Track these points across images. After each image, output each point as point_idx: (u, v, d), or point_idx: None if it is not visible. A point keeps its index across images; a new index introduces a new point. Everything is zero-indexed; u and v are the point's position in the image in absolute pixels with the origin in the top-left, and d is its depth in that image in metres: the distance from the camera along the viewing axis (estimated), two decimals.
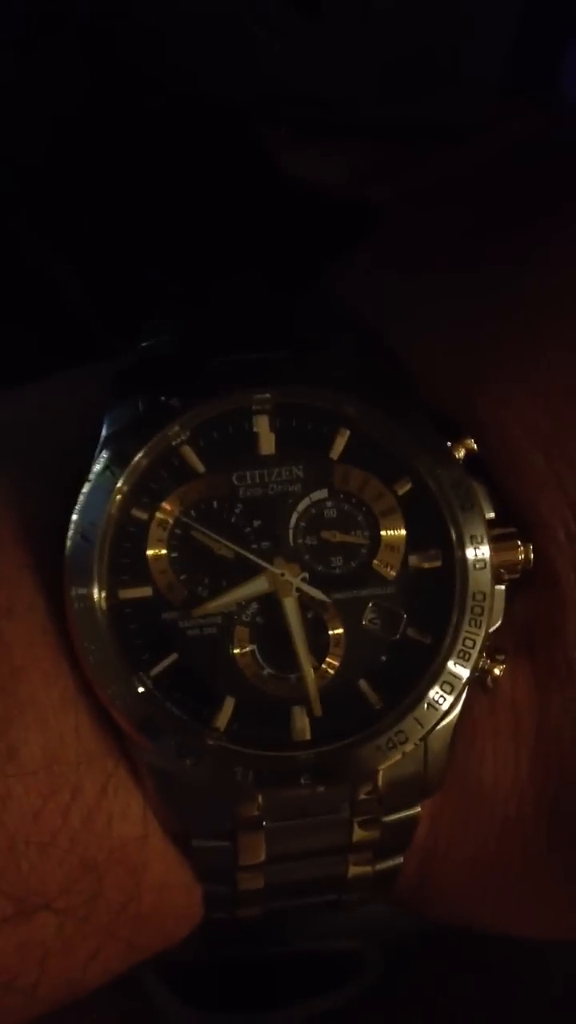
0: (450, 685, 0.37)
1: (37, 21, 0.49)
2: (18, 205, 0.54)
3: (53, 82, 0.51)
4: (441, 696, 0.37)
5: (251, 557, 0.38)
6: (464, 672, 0.38)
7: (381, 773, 0.37)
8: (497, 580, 0.38)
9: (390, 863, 0.40)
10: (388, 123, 0.47)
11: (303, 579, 0.38)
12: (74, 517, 0.37)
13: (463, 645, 0.38)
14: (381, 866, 0.40)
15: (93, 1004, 0.39)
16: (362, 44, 0.45)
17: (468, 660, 0.38)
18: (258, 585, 0.38)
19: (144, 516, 0.38)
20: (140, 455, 0.38)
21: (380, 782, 0.37)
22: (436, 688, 0.37)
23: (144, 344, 0.40)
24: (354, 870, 0.39)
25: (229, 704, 0.37)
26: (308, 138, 0.49)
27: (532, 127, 0.49)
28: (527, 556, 0.39)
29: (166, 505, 0.38)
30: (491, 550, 0.38)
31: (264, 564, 0.38)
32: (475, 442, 0.39)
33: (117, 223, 0.54)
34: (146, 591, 0.37)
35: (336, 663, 0.38)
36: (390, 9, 0.45)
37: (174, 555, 0.38)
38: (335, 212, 0.50)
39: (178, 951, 0.41)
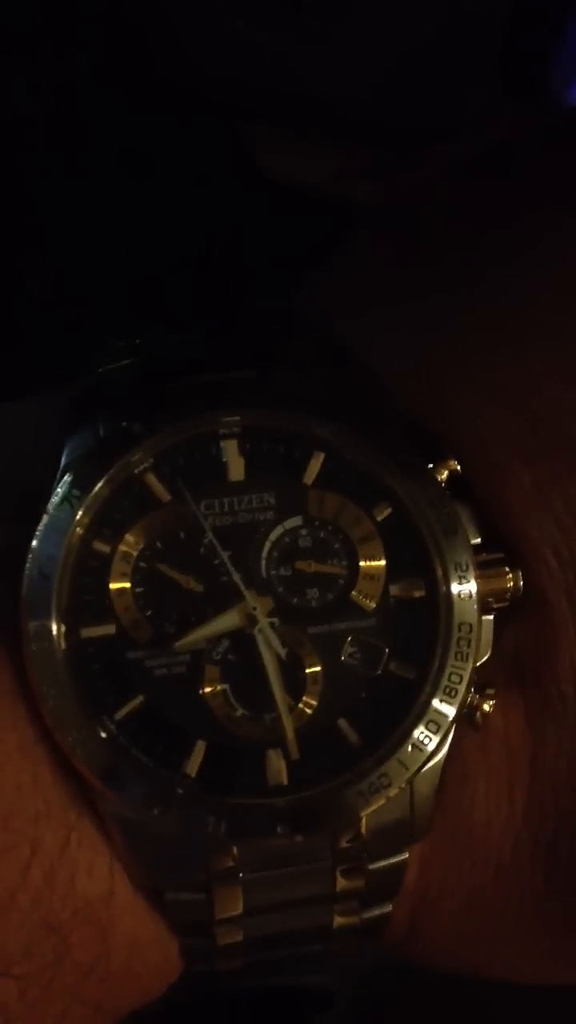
0: (436, 724, 0.35)
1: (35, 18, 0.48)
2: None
3: (42, 77, 0.50)
4: (427, 736, 0.35)
5: (221, 592, 0.35)
6: (451, 709, 0.35)
7: (364, 819, 0.35)
8: (485, 610, 0.36)
9: (378, 912, 0.38)
10: (371, 122, 0.45)
11: (270, 621, 0.36)
12: (30, 551, 0.35)
13: (449, 680, 0.35)
14: (368, 915, 0.37)
15: None
16: (345, 40, 0.43)
17: (455, 696, 0.35)
18: (229, 620, 0.35)
19: (106, 549, 0.36)
20: (101, 484, 0.36)
21: (363, 829, 0.35)
22: (421, 727, 0.35)
23: (101, 369, 0.38)
24: (340, 920, 0.37)
25: (200, 748, 0.35)
26: (291, 136, 0.47)
27: (521, 128, 0.47)
28: (516, 584, 0.36)
29: (129, 537, 0.36)
30: (477, 578, 0.36)
31: (236, 598, 0.35)
32: (457, 462, 0.37)
33: (95, 222, 0.52)
34: (109, 629, 0.35)
35: (314, 702, 0.36)
36: (375, 5, 0.44)
37: (139, 590, 0.35)
38: (317, 212, 0.48)
39: None
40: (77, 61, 0.49)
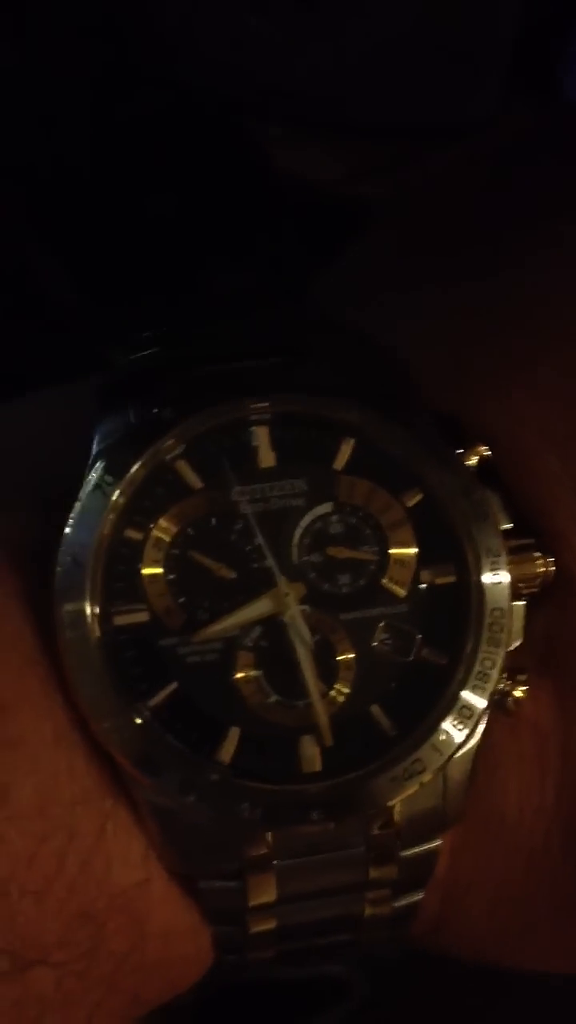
0: (469, 709, 0.35)
1: (35, 12, 0.48)
2: (10, 200, 0.52)
3: (50, 75, 0.50)
4: (460, 721, 0.35)
5: (254, 578, 0.35)
6: (484, 695, 0.35)
7: (397, 806, 0.35)
8: (516, 595, 0.36)
9: (409, 900, 0.37)
10: (384, 120, 0.45)
11: (302, 607, 0.35)
12: (63, 539, 0.35)
13: (481, 666, 0.35)
14: (399, 903, 0.37)
15: None
16: (358, 38, 0.43)
17: (487, 682, 0.35)
18: (261, 607, 0.35)
19: (139, 536, 0.35)
20: (134, 470, 0.35)
21: (397, 816, 0.35)
22: (454, 713, 0.35)
23: (132, 357, 0.38)
24: (371, 909, 0.37)
25: (233, 735, 0.35)
26: (304, 135, 0.47)
27: (532, 126, 0.47)
28: (547, 569, 0.36)
29: (162, 523, 0.36)
30: (508, 563, 0.36)
31: (268, 584, 0.35)
32: (487, 448, 0.37)
33: (109, 221, 0.52)
34: (142, 616, 0.35)
35: (347, 688, 0.36)
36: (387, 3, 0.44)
37: (171, 577, 0.35)
38: (332, 210, 0.48)
39: None
40: (87, 56, 0.50)
